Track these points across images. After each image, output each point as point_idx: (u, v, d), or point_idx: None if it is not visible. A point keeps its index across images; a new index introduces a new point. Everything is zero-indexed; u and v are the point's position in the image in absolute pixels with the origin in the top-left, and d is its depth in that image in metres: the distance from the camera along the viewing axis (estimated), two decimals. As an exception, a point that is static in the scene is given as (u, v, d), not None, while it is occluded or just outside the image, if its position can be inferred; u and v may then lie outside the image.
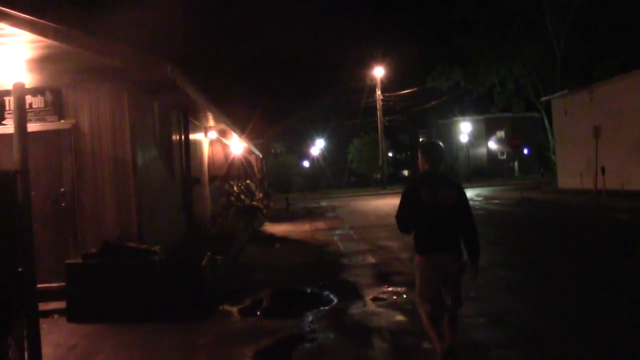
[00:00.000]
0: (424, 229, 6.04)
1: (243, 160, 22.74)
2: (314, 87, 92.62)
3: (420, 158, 6.29)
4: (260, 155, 39.81)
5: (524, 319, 8.17)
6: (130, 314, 8.53)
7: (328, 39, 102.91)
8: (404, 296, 9.73)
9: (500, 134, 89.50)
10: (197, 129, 16.22)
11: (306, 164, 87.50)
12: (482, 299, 9.20)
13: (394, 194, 49.37)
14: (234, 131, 20.24)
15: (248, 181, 22.94)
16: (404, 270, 11.92)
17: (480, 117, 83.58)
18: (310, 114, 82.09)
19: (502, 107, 64.85)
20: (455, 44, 57.04)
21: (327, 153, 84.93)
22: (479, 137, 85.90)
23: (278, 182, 64.25)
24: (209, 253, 10.54)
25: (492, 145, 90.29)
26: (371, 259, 13.86)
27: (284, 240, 19.12)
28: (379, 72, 59.11)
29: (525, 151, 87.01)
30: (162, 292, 8.73)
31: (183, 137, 13.82)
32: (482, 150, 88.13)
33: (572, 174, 33.31)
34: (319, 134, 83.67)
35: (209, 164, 17.80)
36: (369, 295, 9.88)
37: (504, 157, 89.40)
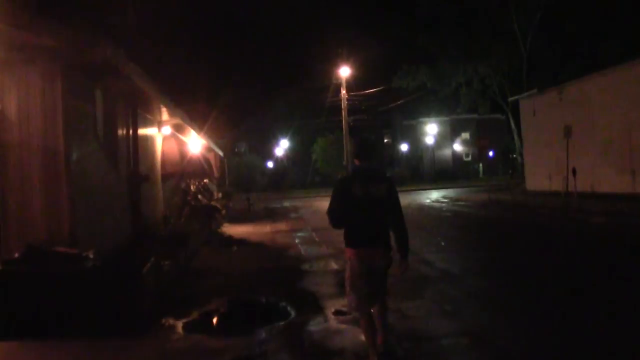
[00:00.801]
0: (354, 223, 6.06)
1: (201, 159, 21.56)
2: (278, 86, 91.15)
3: (353, 153, 6.37)
4: (222, 154, 38.67)
5: (508, 339, 7.21)
6: (56, 329, 7.39)
7: (293, 36, 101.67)
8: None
9: (466, 135, 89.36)
10: (149, 123, 15.06)
11: (270, 164, 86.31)
12: (460, 314, 8.44)
13: (358, 195, 48.59)
14: (192, 127, 19.12)
15: (206, 180, 21.76)
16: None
17: (446, 118, 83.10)
18: (275, 112, 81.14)
19: (468, 108, 64.84)
20: (421, 43, 56.61)
21: (291, 152, 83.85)
22: (444, 138, 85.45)
23: (241, 181, 63.14)
24: (153, 258, 9.47)
25: (457, 146, 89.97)
26: (334, 265, 12.80)
27: (242, 242, 18.06)
28: (344, 71, 58.08)
29: (491, 153, 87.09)
30: (95, 303, 7.60)
31: (131, 130, 12.64)
32: (447, 152, 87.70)
33: (540, 175, 32.82)
34: (284, 133, 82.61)
35: (162, 160, 16.63)
36: (330, 307, 8.85)
37: (469, 158, 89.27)
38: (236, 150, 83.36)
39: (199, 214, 17.60)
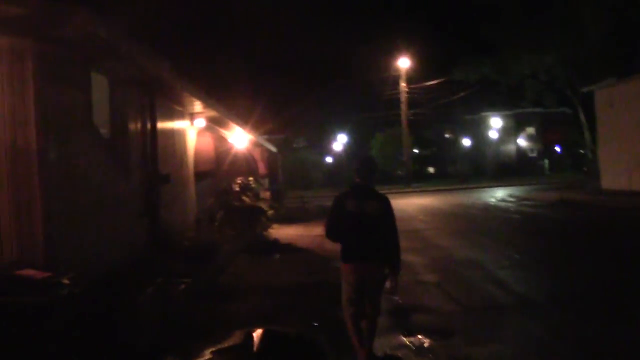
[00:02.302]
0: (349, 238, 6.38)
1: (247, 155, 19.81)
2: (336, 79, 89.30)
3: (354, 170, 6.62)
4: (274, 150, 36.95)
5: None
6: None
7: (351, 29, 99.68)
8: (431, 355, 6.74)
9: (530, 130, 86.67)
10: (176, 115, 13.30)
11: (329, 159, 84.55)
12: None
13: (419, 192, 46.45)
14: (233, 121, 17.34)
15: (251, 178, 19.94)
16: (431, 304, 9.00)
17: (509, 113, 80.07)
18: (333, 107, 79.57)
19: (533, 101, 61.85)
20: (483, 34, 54.19)
21: (349, 148, 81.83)
22: (507, 133, 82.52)
23: (297, 178, 61.53)
24: (161, 279, 7.64)
25: (522, 142, 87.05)
26: (387, 283, 10.81)
27: (287, 248, 16.22)
28: (403, 63, 55.97)
29: (558, 149, 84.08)
30: (67, 345, 5.78)
31: (149, 123, 10.85)
32: (510, 147, 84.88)
33: (618, 173, 30.06)
34: (342, 128, 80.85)
35: (196, 158, 14.88)
36: (379, 349, 6.84)
37: (534, 154, 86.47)
38: (294, 146, 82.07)
39: (237, 217, 15.81)
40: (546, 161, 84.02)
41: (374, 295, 6.44)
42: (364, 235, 6.30)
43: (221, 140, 16.67)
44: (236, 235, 15.22)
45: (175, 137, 13.03)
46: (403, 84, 55.90)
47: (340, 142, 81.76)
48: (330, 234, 6.58)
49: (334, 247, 15.00)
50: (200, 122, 14.83)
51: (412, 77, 56.99)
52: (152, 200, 10.62)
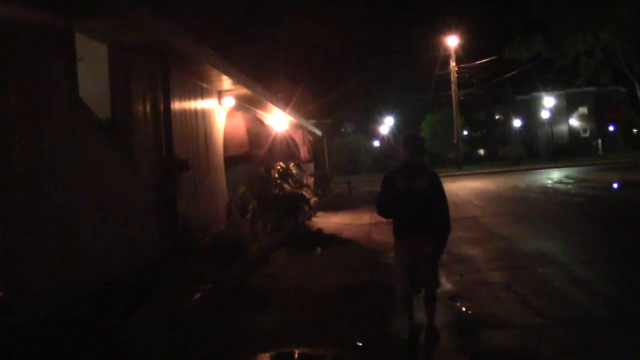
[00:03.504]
0: (400, 215, 6.38)
1: (287, 138, 18.21)
2: (385, 61, 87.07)
3: (401, 148, 6.49)
4: (319, 133, 35.36)
5: None
6: None
7: (399, 8, 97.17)
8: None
9: (583, 110, 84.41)
10: (200, 93, 11.67)
11: (377, 143, 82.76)
12: None
13: (471, 175, 44.43)
14: (269, 101, 15.73)
15: (292, 164, 18.28)
16: (503, 315, 7.28)
17: (561, 92, 77.58)
18: (382, 89, 77.90)
19: (587, 80, 59.41)
20: (535, 11, 52.05)
21: (397, 131, 79.96)
22: (559, 113, 79.94)
23: (345, 162, 60.18)
24: (166, 290, 6.06)
25: (574, 122, 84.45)
26: (445, 284, 9.03)
27: (331, 240, 14.68)
28: (452, 41, 53.75)
29: (611, 128, 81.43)
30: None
31: (162, 101, 9.24)
32: (562, 128, 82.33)
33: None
34: (390, 111, 79.00)
35: (226, 141, 13.27)
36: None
37: (587, 134, 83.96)
38: (342, 130, 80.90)
39: (275, 206, 14.22)
40: (599, 141, 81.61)
41: (429, 266, 6.36)
42: (415, 211, 6.27)
43: (256, 122, 14.97)
44: (274, 227, 13.62)
45: (198, 117, 11.41)
46: (453, 64, 53.80)
47: (387, 125, 79.83)
48: (382, 211, 6.60)
49: (382, 238, 13.69)
50: (229, 102, 13.17)
51: (462, 57, 55.00)
52: (166, 192, 9.00)
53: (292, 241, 14.12)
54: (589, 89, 75.52)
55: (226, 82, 12.36)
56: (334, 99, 57.09)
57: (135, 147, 8.23)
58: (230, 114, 13.79)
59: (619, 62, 52.65)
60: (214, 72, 11.24)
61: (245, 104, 15.13)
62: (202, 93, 11.89)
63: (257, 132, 14.43)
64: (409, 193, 6.23)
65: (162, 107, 9.21)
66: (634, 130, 79.21)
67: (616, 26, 48.13)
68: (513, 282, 8.73)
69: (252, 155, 14.33)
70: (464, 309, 7.54)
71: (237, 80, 12.25)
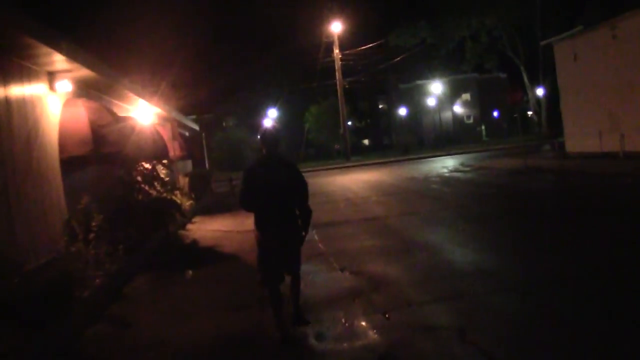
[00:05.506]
0: (262, 207, 6.42)
1: (152, 134, 15.13)
2: (265, 51, 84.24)
3: (260, 143, 6.66)
4: (196, 127, 32.31)
5: None
6: None
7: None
8: None
9: (466, 96, 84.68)
10: (17, 74, 8.55)
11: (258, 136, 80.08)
12: None
13: (361, 166, 42.41)
14: (124, 86, 12.68)
15: (160, 164, 15.18)
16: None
17: (444, 80, 76.82)
18: (264, 81, 75.54)
19: (473, 64, 59.41)
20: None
21: (281, 123, 77.61)
22: (443, 101, 79.44)
23: (228, 158, 57.49)
24: None
25: (458, 109, 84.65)
26: (366, 331, 6.29)
27: (207, 256, 11.97)
28: (336, 27, 51.51)
29: (495, 114, 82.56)
30: None
31: None
32: (447, 115, 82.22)
33: (586, 134, 26.27)
34: (273, 103, 76.44)
35: (63, 138, 10.12)
36: None
37: (471, 121, 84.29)
38: (224, 124, 78.53)
39: (133, 219, 11.20)
40: (483, 127, 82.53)
41: (294, 253, 6.60)
42: (275, 202, 6.37)
43: (104, 112, 11.68)
44: (134, 245, 10.64)
45: (12, 106, 8.26)
46: (337, 51, 51.57)
47: (271, 117, 77.29)
48: (245, 205, 6.51)
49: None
50: (65, 86, 10.02)
51: (346, 44, 53.01)
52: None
53: (158, 261, 11.21)
54: (471, 75, 76.24)
55: (58, 60, 9.28)
56: (214, 93, 54.99)
57: None
58: (69, 103, 10.64)
59: (504, 47, 52.65)
60: (35, 44, 8.18)
61: (94, 90, 12.01)
62: (21, 74, 8.76)
63: (105, 126, 11.26)
64: (268, 185, 6.34)
65: None
66: (515, 116, 79.79)
67: (500, 10, 47.93)
68: (465, 324, 6.04)
69: (101, 155, 11.16)
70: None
71: (72, 57, 9.21)
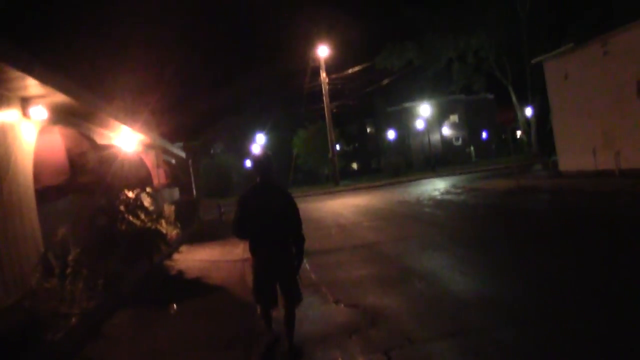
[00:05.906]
0: (255, 234, 6.50)
1: (136, 161, 14.62)
2: (254, 78, 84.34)
3: (253, 170, 6.81)
4: (182, 155, 31.82)
5: None
6: None
7: (266, 16, 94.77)
8: None
9: (454, 118, 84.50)
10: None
11: (249, 162, 79.63)
12: None
13: (350, 191, 41.88)
14: (104, 112, 12.18)
15: (144, 193, 14.63)
16: None
17: (432, 102, 76.84)
18: (252, 107, 75.71)
19: (461, 85, 59.25)
20: (406, 16, 51.77)
21: (270, 148, 77.24)
22: (431, 123, 79.30)
23: (215, 185, 57.08)
24: None
25: (446, 130, 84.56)
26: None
27: (193, 288, 11.37)
28: (322, 51, 51.27)
29: (484, 135, 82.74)
30: None
31: None
32: (435, 137, 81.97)
33: (579, 152, 25.89)
34: (261, 128, 76.26)
35: (39, 167, 9.59)
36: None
37: (459, 142, 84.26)
38: (212, 151, 78.30)
39: (114, 250, 10.65)
40: (472, 148, 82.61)
41: (289, 285, 6.55)
42: (269, 229, 6.42)
43: (81, 139, 11.16)
44: (115, 278, 10.08)
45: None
46: (324, 74, 51.27)
47: (259, 143, 77.02)
48: (238, 233, 6.64)
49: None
50: (40, 113, 9.51)
51: (333, 68, 52.88)
52: None
53: (141, 295, 10.65)
54: (458, 97, 76.24)
55: (31, 84, 8.78)
56: (201, 119, 54.85)
57: None
58: (45, 130, 10.13)
59: (491, 68, 52.54)
60: (5, 67, 7.69)
61: (72, 117, 11.50)
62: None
63: (83, 154, 10.73)
64: (262, 212, 6.39)
65: None
66: (504, 136, 79.66)
67: (486, 30, 47.98)
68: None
69: (79, 184, 10.62)
70: None
71: (46, 81, 8.71)
